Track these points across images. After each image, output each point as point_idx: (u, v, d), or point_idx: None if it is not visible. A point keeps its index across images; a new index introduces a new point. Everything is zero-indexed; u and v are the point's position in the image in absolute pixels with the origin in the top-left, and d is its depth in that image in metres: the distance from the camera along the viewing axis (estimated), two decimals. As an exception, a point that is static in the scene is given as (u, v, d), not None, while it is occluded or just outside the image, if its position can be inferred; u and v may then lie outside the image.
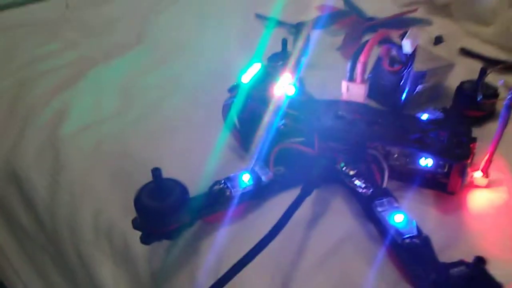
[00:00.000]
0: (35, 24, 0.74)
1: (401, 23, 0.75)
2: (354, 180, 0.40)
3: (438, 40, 0.72)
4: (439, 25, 0.75)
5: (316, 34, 0.71)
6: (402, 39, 0.48)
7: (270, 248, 0.35)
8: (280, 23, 0.75)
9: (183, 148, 0.49)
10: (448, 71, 0.58)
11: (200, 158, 0.46)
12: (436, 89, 0.57)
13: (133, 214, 0.38)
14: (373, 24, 0.74)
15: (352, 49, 0.53)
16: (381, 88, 0.53)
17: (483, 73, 0.49)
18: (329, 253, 0.38)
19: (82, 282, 0.48)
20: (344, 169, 0.41)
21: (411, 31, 0.46)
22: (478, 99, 0.46)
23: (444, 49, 0.70)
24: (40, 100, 0.58)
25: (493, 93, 0.49)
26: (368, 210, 0.39)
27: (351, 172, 0.41)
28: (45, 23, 0.74)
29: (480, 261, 0.29)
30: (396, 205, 0.39)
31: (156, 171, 0.36)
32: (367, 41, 0.48)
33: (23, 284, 0.57)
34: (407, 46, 0.46)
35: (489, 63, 0.63)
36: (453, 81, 0.55)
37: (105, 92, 0.59)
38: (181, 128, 0.52)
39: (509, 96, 0.37)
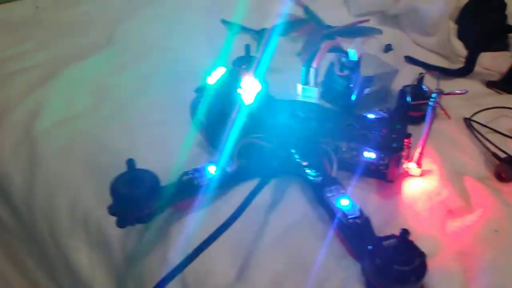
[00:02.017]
0: (6, 24, 0.75)
1: (355, 31, 0.81)
2: (306, 170, 0.46)
3: (387, 48, 0.79)
4: (389, 35, 0.81)
5: (277, 40, 0.77)
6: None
7: (233, 229, 0.39)
8: (244, 29, 0.80)
9: (153, 142, 0.52)
10: (393, 76, 0.65)
11: (170, 152, 0.50)
12: (382, 92, 0.63)
13: (106, 203, 0.42)
14: (330, 32, 0.80)
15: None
16: (333, 90, 0.59)
17: (420, 78, 0.56)
18: (285, 233, 0.43)
19: (59, 268, 0.51)
20: (298, 160, 0.47)
21: (356, 41, 0.52)
22: (408, 99, 0.53)
23: (393, 57, 0.77)
24: (14, 98, 0.60)
25: (425, 97, 0.56)
26: (319, 196, 0.45)
27: (304, 163, 0.46)
28: (16, 23, 0.76)
29: (405, 232, 0.35)
30: (342, 191, 0.44)
31: (130, 161, 0.41)
32: (318, 49, 0.54)
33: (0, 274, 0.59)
34: (352, 54, 0.52)
35: (430, 70, 0.71)
36: (398, 85, 0.61)
37: (78, 90, 0.61)
38: (151, 124, 0.55)
39: (432, 100, 0.43)
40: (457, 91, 0.43)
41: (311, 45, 0.79)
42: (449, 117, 0.44)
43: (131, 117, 0.57)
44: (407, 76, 0.66)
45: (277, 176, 0.46)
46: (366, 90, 0.60)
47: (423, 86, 0.44)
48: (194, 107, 0.51)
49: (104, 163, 0.50)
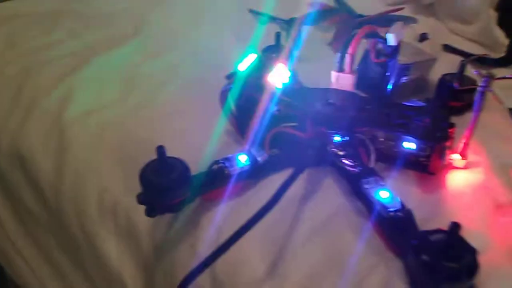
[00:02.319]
0: (36, 14, 0.76)
1: (388, 20, 0.78)
2: (343, 160, 0.44)
3: (422, 37, 0.75)
4: (424, 24, 0.78)
5: (307, 30, 0.74)
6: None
7: (265, 221, 0.38)
8: (273, 19, 0.78)
9: (182, 131, 0.51)
10: (431, 65, 0.61)
11: (199, 141, 0.49)
12: (420, 82, 0.60)
13: (135, 192, 0.40)
14: (361, 21, 0.77)
15: (341, 44, 0.56)
16: (368, 79, 0.56)
17: (462, 65, 0.53)
18: (321, 226, 0.41)
19: (86, 258, 0.50)
20: (333, 150, 0.44)
21: (395, 25, 0.50)
22: (455, 85, 0.50)
23: (429, 46, 0.73)
24: (44, 86, 0.60)
25: (471, 84, 0.53)
26: (356, 187, 0.42)
27: (340, 153, 0.44)
28: (45, 14, 0.76)
29: (456, 226, 0.32)
30: (381, 183, 0.42)
31: (160, 149, 0.39)
32: (354, 35, 0.51)
33: (27, 263, 0.59)
34: (391, 39, 0.49)
35: (470, 58, 0.67)
36: (436, 75, 0.58)
37: (107, 79, 0.61)
38: (179, 113, 0.54)
39: (483, 84, 0.40)
40: (510, 75, 0.39)
41: (342, 34, 0.76)
42: (503, 102, 0.40)
43: (160, 106, 0.56)
44: (445, 65, 0.62)
45: (311, 166, 0.44)
46: (403, 79, 0.57)
47: (475, 71, 0.41)
48: (224, 94, 0.49)
49: (132, 151, 0.49)
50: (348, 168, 0.43)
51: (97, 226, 0.48)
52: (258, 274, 0.39)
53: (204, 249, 0.40)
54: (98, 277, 0.52)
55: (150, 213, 0.40)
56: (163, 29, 0.74)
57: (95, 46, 0.68)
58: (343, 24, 0.78)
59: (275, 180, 0.43)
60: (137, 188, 0.40)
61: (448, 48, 0.71)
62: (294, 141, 0.47)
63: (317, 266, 0.38)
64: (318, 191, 0.44)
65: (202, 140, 0.49)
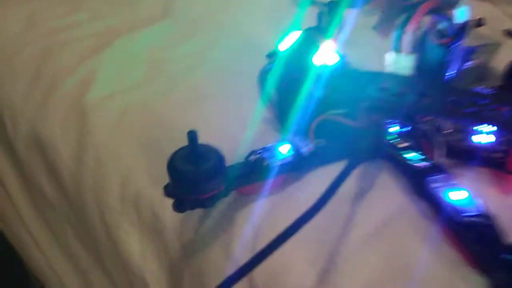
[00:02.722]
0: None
1: (439, 4, 0.71)
2: (406, 154, 0.37)
3: (479, 23, 0.68)
4: (478, 8, 0.71)
5: (351, 13, 0.68)
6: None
7: (312, 223, 0.32)
8: (312, 2, 0.72)
9: (214, 117, 0.46)
10: (495, 49, 0.54)
11: (233, 128, 0.44)
12: (481, 69, 0.53)
13: (161, 182, 0.35)
14: (409, 4, 0.71)
15: (387, 28, 0.50)
16: (426, 62, 0.49)
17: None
18: (379, 228, 0.35)
19: (106, 251, 0.46)
20: (394, 142, 0.38)
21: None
22: None
23: (486, 32, 0.66)
24: (65, 67, 0.56)
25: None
26: (420, 186, 0.36)
27: (401, 145, 0.38)
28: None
29: None
30: (452, 182, 0.35)
31: (192, 134, 0.33)
32: (415, 11, 0.45)
33: (43, 254, 0.56)
34: (463, 13, 0.42)
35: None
36: (498, 62, 0.52)
37: (132, 62, 0.56)
38: (211, 97, 0.49)
39: None
40: None
41: (388, 18, 0.70)
42: None
43: (188, 90, 0.51)
44: (508, 52, 0.55)
45: (366, 160, 0.38)
46: (466, 64, 0.50)
47: None
48: (263, 75, 0.44)
49: (158, 138, 0.44)
50: (411, 163, 0.37)
51: (118, 217, 0.43)
52: (305, 283, 0.33)
53: (240, 250, 0.35)
54: (117, 272, 0.48)
55: (178, 207, 0.34)
56: (192, 11, 0.70)
57: (120, 27, 0.64)
58: (389, 7, 0.72)
59: (321, 175, 0.38)
60: (164, 177, 0.35)
61: (510, 34, 0.63)
62: (343, 131, 0.41)
63: (376, 275, 0.33)
64: (374, 189, 0.38)
65: (237, 126, 0.44)
